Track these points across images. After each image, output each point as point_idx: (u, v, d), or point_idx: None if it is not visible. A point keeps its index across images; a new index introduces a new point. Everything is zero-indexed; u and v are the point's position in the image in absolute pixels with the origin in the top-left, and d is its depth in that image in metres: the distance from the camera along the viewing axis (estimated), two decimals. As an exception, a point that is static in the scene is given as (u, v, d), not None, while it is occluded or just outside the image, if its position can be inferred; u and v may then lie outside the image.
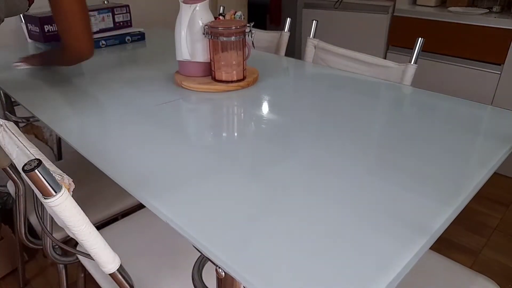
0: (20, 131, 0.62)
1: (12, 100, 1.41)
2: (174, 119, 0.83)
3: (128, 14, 1.56)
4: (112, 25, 1.51)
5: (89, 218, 0.52)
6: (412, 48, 1.10)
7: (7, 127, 0.61)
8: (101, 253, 0.56)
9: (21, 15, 1.52)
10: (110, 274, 0.61)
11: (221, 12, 1.67)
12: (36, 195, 0.79)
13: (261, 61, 1.26)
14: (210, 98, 0.95)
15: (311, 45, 1.36)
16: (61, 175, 0.50)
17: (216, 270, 0.50)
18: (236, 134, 0.77)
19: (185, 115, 0.87)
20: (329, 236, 0.49)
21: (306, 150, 0.69)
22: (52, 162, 0.55)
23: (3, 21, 0.88)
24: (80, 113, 0.87)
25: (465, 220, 1.73)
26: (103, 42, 1.44)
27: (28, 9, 0.96)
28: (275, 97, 0.95)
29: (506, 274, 1.45)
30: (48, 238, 0.91)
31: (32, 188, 0.53)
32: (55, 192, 0.47)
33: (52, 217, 0.87)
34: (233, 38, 0.95)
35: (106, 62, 1.25)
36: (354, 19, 2.43)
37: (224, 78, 1.00)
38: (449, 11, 2.04)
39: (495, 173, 2.06)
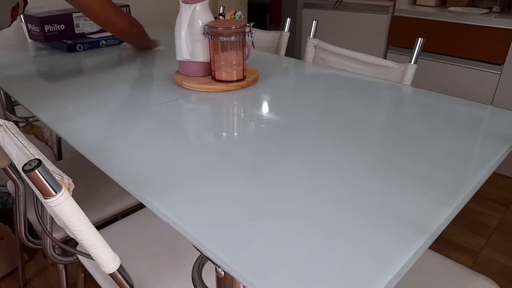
0: (20, 131, 0.62)
1: (12, 100, 1.41)
2: (174, 119, 0.83)
3: (128, 14, 1.56)
4: (112, 25, 1.51)
5: (89, 218, 0.52)
6: (412, 48, 1.10)
7: (7, 127, 0.61)
8: (101, 253, 0.56)
9: (21, 15, 1.52)
10: (110, 274, 0.61)
11: (221, 12, 1.67)
12: (36, 195, 0.79)
13: (261, 61, 1.26)
14: (210, 98, 0.95)
15: (311, 45, 1.36)
16: (61, 175, 0.50)
17: (216, 269, 0.50)
18: (236, 134, 0.77)
19: (185, 115, 0.87)
20: (328, 236, 0.49)
21: (306, 150, 0.69)
22: (52, 162, 0.55)
23: None
24: (80, 113, 0.87)
25: (465, 220, 1.73)
26: (103, 42, 1.44)
27: (10, 25, 0.98)
28: (275, 97, 0.95)
29: (506, 274, 1.45)
30: (48, 238, 0.91)
31: (32, 188, 0.53)
32: (55, 192, 0.47)
33: (52, 217, 0.87)
34: (233, 38, 0.95)
35: (106, 62, 1.26)
36: (354, 19, 2.43)
37: (224, 78, 1.00)
38: (449, 11, 2.04)
39: (495, 173, 2.06)
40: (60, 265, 1.05)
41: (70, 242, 0.88)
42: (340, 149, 0.70)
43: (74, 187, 0.51)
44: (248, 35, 0.99)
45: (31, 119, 1.52)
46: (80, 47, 1.38)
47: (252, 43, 1.04)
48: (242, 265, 0.44)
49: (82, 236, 0.52)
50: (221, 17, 1.17)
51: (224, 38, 0.95)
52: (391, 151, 0.69)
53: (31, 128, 1.71)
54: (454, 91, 2.10)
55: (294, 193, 0.57)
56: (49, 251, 0.93)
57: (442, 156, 0.67)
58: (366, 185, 0.59)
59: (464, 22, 1.96)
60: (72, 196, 0.50)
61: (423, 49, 1.21)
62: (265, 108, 0.89)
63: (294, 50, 2.99)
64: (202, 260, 0.61)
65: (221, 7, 1.68)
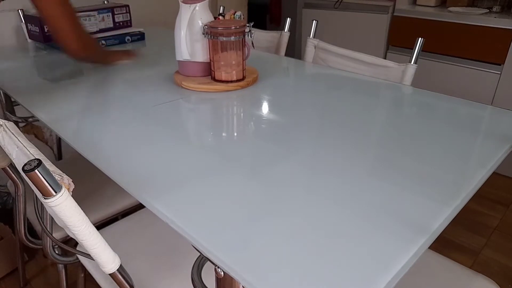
0: (20, 131, 0.62)
1: (12, 100, 1.41)
2: (174, 119, 0.83)
3: (128, 14, 1.56)
4: (112, 25, 1.51)
5: (89, 218, 0.52)
6: (412, 48, 1.10)
7: (7, 127, 0.61)
8: (101, 253, 0.56)
9: (21, 15, 1.52)
10: (110, 274, 0.61)
11: (221, 12, 1.67)
12: (36, 195, 0.79)
13: (261, 61, 1.26)
14: (210, 98, 0.95)
15: (311, 45, 1.36)
16: (61, 175, 0.50)
17: (215, 270, 0.50)
18: (235, 134, 0.77)
19: (184, 115, 0.87)
20: (328, 236, 0.49)
21: (306, 150, 0.69)
22: (52, 162, 0.55)
23: None
24: (80, 113, 0.87)
25: (465, 220, 1.73)
26: (103, 42, 1.44)
27: None
28: (275, 97, 0.95)
29: (506, 274, 1.45)
30: (48, 238, 0.91)
31: (32, 188, 0.53)
32: (55, 192, 0.47)
33: (52, 217, 0.87)
34: (232, 38, 0.95)
35: (106, 62, 1.25)
36: (354, 19, 2.43)
37: (223, 78, 1.00)
38: (449, 11, 2.04)
39: (495, 173, 2.06)
40: (60, 265, 1.05)
41: (70, 242, 0.88)
42: (340, 149, 0.70)
43: (74, 187, 0.51)
44: (248, 35, 0.99)
45: (31, 119, 1.52)
46: (80, 47, 1.38)
47: (252, 43, 1.04)
48: (242, 266, 0.44)
49: (82, 236, 0.52)
50: (220, 17, 1.17)
51: (224, 38, 0.95)
52: (391, 151, 0.69)
53: (31, 128, 1.71)
54: (454, 91, 2.10)
55: (294, 193, 0.57)
56: (49, 251, 0.93)
57: (442, 156, 0.67)
58: (366, 185, 0.59)
59: (464, 22, 1.96)
60: (72, 196, 0.50)
61: (423, 49, 1.21)
62: (265, 108, 0.89)
63: (294, 50, 2.99)
64: (202, 260, 0.61)
65: (221, 7, 1.68)
